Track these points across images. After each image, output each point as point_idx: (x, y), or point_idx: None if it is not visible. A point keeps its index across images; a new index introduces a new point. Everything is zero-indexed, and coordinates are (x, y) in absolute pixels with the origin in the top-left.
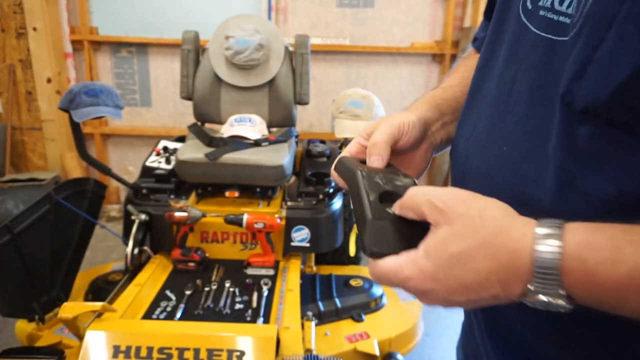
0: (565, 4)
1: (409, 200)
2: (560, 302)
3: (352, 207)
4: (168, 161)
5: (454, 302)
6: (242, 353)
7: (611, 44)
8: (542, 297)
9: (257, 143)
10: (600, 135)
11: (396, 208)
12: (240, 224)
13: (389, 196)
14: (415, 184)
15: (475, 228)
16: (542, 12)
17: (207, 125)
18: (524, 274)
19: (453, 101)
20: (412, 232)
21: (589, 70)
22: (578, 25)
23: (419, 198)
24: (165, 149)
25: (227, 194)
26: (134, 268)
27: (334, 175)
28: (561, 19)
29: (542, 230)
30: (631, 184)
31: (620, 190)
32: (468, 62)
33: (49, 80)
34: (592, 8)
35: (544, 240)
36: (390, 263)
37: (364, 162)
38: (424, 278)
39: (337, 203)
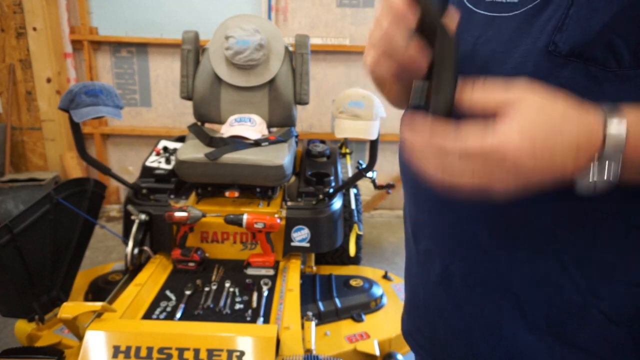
0: None
1: (481, 90)
2: (618, 169)
3: (434, 72)
4: (168, 161)
5: (529, 184)
6: (242, 353)
7: (584, 2)
8: (603, 166)
9: (257, 143)
10: (581, 73)
11: (470, 92)
12: (240, 224)
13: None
14: None
15: (554, 101)
16: None
17: (207, 125)
18: (598, 140)
19: None
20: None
21: (566, 24)
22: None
23: (494, 87)
24: (165, 149)
25: (227, 194)
26: (134, 268)
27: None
28: (508, 0)
29: (605, 109)
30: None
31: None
32: None
33: (48, 80)
34: None
35: (612, 114)
36: (495, 137)
37: None
38: (523, 146)
39: (337, 203)
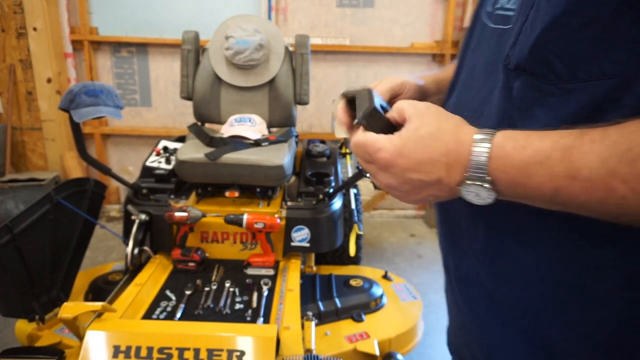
0: (512, 2)
1: (397, 105)
2: (487, 186)
3: (357, 108)
4: (168, 161)
5: (407, 181)
6: (242, 353)
7: (531, 16)
8: (473, 182)
9: (257, 143)
10: (527, 86)
11: (388, 114)
12: (240, 224)
13: (385, 110)
14: None
15: (440, 121)
16: (497, 12)
17: (207, 125)
18: (464, 159)
19: (449, 82)
20: (394, 131)
21: (519, 38)
22: (516, 12)
23: (405, 102)
24: (165, 149)
25: (227, 194)
26: (134, 268)
27: (340, 98)
28: (508, 13)
29: (480, 133)
30: (552, 120)
31: (545, 127)
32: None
33: (49, 80)
34: (520, 3)
35: (479, 140)
36: (372, 135)
37: None
38: (392, 150)
39: (337, 203)
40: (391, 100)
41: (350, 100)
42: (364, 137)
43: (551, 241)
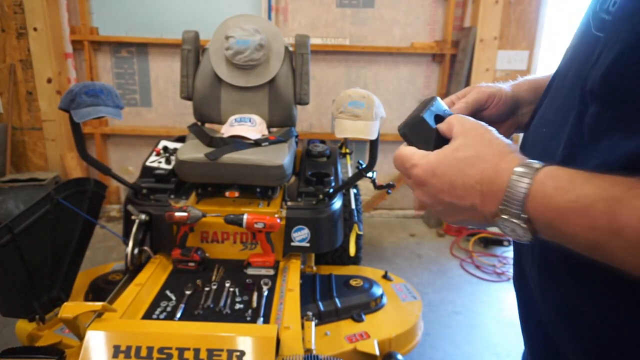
0: (611, 3)
1: (450, 118)
2: (522, 224)
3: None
4: (168, 161)
5: (440, 202)
6: (242, 353)
7: (611, 38)
8: (508, 218)
9: (257, 143)
10: (599, 113)
11: (440, 124)
12: (240, 224)
13: (442, 119)
14: None
15: (481, 145)
16: (600, 14)
17: (207, 125)
18: (500, 192)
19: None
20: (440, 145)
21: (600, 57)
22: (610, 21)
23: (457, 118)
24: (165, 149)
25: (227, 194)
26: (134, 268)
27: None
28: (606, 17)
29: (524, 164)
30: (613, 160)
31: (603, 166)
32: None
33: (49, 81)
34: (617, 8)
35: (521, 173)
36: (410, 149)
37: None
38: (426, 168)
39: (337, 203)
40: (477, 115)
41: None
42: (402, 150)
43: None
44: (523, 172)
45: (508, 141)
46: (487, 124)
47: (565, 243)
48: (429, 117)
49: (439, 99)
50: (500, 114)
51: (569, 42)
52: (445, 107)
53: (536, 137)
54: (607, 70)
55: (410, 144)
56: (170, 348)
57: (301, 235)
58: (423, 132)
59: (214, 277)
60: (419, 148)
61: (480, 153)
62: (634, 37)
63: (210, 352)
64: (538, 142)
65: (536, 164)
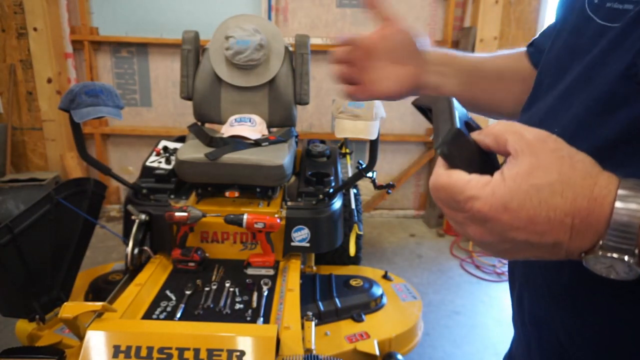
0: None
1: (494, 128)
2: (629, 260)
3: (434, 124)
4: (168, 161)
5: (509, 240)
6: (242, 353)
7: None
8: (610, 254)
9: (257, 143)
10: None
11: (476, 135)
12: (240, 224)
13: (470, 128)
14: None
15: (563, 165)
16: (608, 4)
17: (207, 125)
18: (600, 225)
19: (466, 61)
20: (486, 162)
21: None
22: None
23: (507, 127)
24: (165, 149)
25: (227, 194)
26: (134, 268)
27: (413, 103)
28: (625, 6)
29: (625, 186)
30: None
31: None
32: (510, 55)
33: (49, 81)
34: None
35: (626, 197)
36: (461, 176)
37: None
38: (494, 202)
39: (337, 203)
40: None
41: (424, 110)
42: (448, 177)
43: None
44: (628, 196)
45: (585, 155)
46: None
47: None
48: (462, 127)
49: (454, 99)
50: (400, 48)
51: (554, 38)
52: (462, 108)
53: None
54: None
55: (452, 166)
56: (170, 348)
57: (301, 235)
58: (465, 149)
59: (214, 277)
60: (468, 170)
61: (565, 177)
62: None
63: (210, 352)
64: None
65: (638, 182)
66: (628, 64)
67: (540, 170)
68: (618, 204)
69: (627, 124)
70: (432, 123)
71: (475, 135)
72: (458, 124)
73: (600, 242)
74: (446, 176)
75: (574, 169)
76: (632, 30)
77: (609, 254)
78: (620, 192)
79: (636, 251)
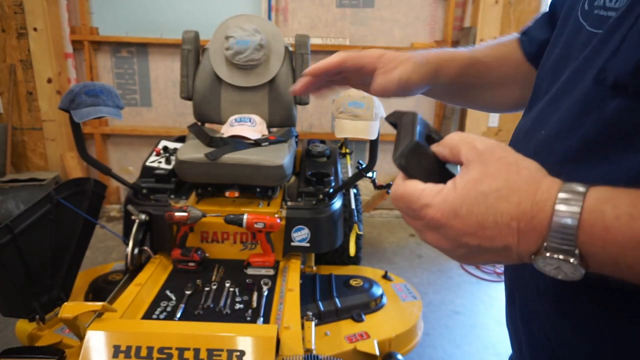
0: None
1: (449, 139)
2: (573, 261)
3: (396, 138)
4: (168, 161)
5: (464, 246)
6: (242, 353)
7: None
8: (555, 255)
9: (257, 143)
10: (628, 108)
11: (434, 146)
12: (240, 224)
13: (432, 140)
14: None
15: (509, 172)
16: (596, 11)
17: (207, 125)
18: (543, 227)
19: (450, 56)
20: (443, 172)
21: (621, 48)
22: (622, 10)
23: (460, 138)
24: (165, 149)
25: (227, 194)
26: (134, 268)
27: (386, 119)
28: (609, 14)
29: (565, 189)
30: None
31: None
32: (501, 45)
33: (49, 81)
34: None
35: (566, 200)
36: (416, 185)
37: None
38: (445, 209)
39: (337, 203)
40: (360, 82)
41: (393, 124)
42: (404, 187)
43: None
44: (568, 197)
45: (531, 161)
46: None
47: (628, 277)
48: (421, 141)
49: (419, 115)
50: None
51: (551, 44)
52: (426, 121)
53: (530, 141)
54: None
55: (409, 177)
56: (170, 348)
57: (301, 235)
58: (423, 160)
59: (214, 277)
60: (424, 180)
61: (511, 183)
62: None
63: (210, 352)
64: (541, 147)
65: (579, 186)
66: (599, 69)
67: (488, 178)
68: (557, 207)
69: (598, 126)
70: (395, 137)
71: (434, 147)
72: (417, 137)
73: (545, 244)
74: (403, 186)
75: (520, 174)
76: (610, 36)
77: (554, 255)
78: (560, 195)
79: (576, 251)
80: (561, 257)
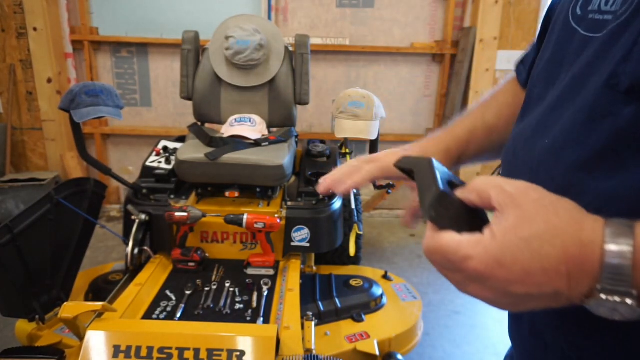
0: (610, 2)
1: (476, 184)
2: (630, 302)
3: (417, 188)
4: (168, 161)
5: (511, 295)
6: (242, 353)
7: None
8: (610, 297)
9: (257, 143)
10: None
11: (459, 192)
12: (240, 224)
13: (453, 186)
14: None
15: (548, 215)
16: (591, 15)
17: (207, 125)
18: (594, 269)
19: (467, 137)
20: (474, 218)
21: (634, 51)
22: (627, 13)
23: (488, 182)
24: (165, 149)
25: (227, 194)
26: (134, 268)
27: (395, 165)
28: (606, 17)
29: (611, 228)
30: None
31: None
32: (503, 93)
33: (49, 81)
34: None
35: (615, 239)
36: (453, 237)
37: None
38: (488, 260)
39: (337, 203)
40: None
41: (406, 171)
42: (439, 241)
43: None
44: (617, 238)
45: (567, 200)
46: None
47: None
48: (445, 188)
49: (434, 160)
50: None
51: (542, 51)
52: (441, 165)
53: (533, 150)
54: None
55: (441, 228)
56: (170, 348)
57: (301, 235)
58: (451, 209)
59: (214, 277)
60: (458, 230)
61: (552, 226)
62: None
63: (210, 352)
64: (543, 155)
65: (624, 224)
66: (610, 74)
67: (526, 222)
68: (607, 247)
69: (612, 134)
70: (416, 186)
71: (459, 193)
72: (441, 186)
73: (598, 287)
74: (438, 239)
75: (559, 216)
76: (614, 40)
77: (609, 297)
78: (607, 234)
79: (634, 292)
80: (617, 299)
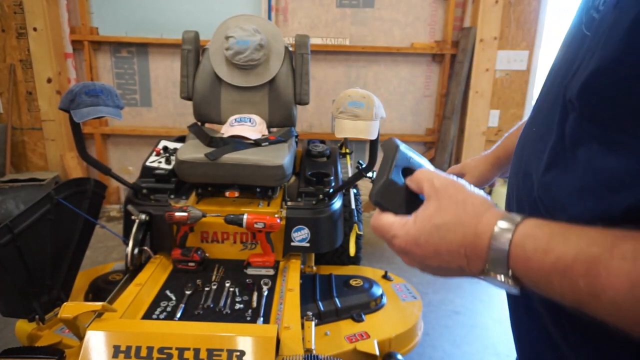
0: (601, 1)
1: (417, 175)
2: (508, 281)
3: (377, 170)
4: (168, 161)
5: (428, 266)
6: (242, 353)
7: (592, 46)
8: (495, 275)
9: (257, 143)
10: (578, 124)
11: (408, 180)
12: (240, 224)
13: (410, 172)
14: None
15: (457, 208)
16: (591, 12)
17: (207, 125)
18: (483, 254)
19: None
20: (413, 203)
21: (580, 67)
22: (594, 25)
23: (424, 175)
24: (165, 149)
25: (227, 194)
26: (134, 268)
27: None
28: (595, 15)
29: (503, 223)
30: (592, 174)
31: (584, 178)
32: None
33: (49, 81)
34: (603, 13)
35: (501, 232)
36: (388, 218)
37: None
38: (408, 240)
39: (337, 203)
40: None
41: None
42: (379, 220)
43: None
44: (502, 231)
45: (481, 194)
46: (452, 176)
47: (552, 298)
48: (396, 176)
49: (401, 145)
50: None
51: (562, 39)
52: (410, 153)
53: (528, 137)
54: (585, 84)
55: (384, 210)
56: (170, 348)
57: (301, 235)
58: (395, 195)
59: (214, 277)
60: (395, 212)
61: (458, 217)
62: (610, 53)
63: (210, 352)
64: (528, 142)
65: (514, 218)
66: (565, 84)
67: (440, 212)
68: (492, 239)
69: (560, 136)
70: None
71: (407, 180)
72: (390, 175)
73: (487, 267)
74: (378, 219)
75: (465, 210)
76: (580, 49)
77: (492, 274)
78: (495, 229)
79: (510, 273)
80: (498, 277)
